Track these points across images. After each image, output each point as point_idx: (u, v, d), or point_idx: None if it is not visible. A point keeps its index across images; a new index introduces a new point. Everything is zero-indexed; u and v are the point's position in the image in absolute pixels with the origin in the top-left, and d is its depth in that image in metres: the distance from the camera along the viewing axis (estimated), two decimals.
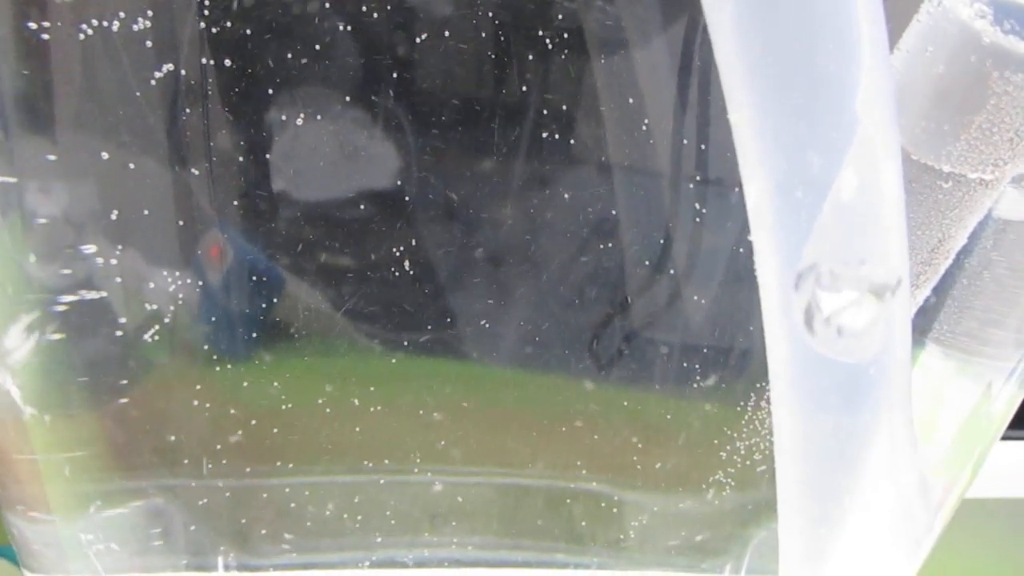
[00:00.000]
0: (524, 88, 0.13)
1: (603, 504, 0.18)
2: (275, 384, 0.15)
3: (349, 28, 0.12)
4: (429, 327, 0.15)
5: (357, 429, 0.15)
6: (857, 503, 0.14)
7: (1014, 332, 0.13)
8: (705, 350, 0.16)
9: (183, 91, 0.12)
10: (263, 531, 0.16)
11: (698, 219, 0.15)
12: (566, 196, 0.14)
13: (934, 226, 0.14)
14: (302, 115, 0.12)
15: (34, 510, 0.14)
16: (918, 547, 0.16)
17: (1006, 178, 0.14)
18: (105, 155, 0.12)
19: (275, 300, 0.14)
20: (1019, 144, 0.13)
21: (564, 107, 0.13)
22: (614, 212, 0.14)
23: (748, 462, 0.17)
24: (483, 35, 0.12)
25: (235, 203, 0.13)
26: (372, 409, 0.15)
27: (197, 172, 0.13)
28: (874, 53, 0.11)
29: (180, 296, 0.13)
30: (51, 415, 0.13)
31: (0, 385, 0.12)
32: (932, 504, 0.15)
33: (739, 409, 0.16)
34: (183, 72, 0.12)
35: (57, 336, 0.12)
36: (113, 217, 0.13)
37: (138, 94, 0.12)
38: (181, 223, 0.13)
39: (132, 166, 0.12)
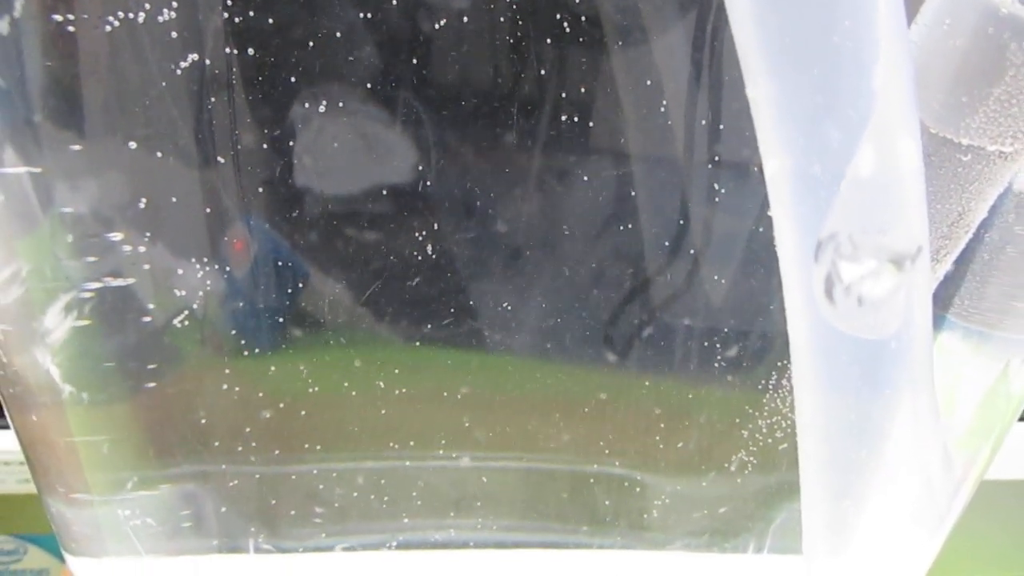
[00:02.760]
0: (541, 74, 0.13)
1: (626, 485, 0.18)
2: (302, 368, 0.15)
3: (371, 16, 0.12)
4: (450, 315, 0.15)
5: (383, 412, 0.16)
6: (879, 478, 0.14)
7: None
8: (726, 330, 0.16)
9: (208, 81, 0.12)
10: (292, 512, 0.16)
11: (717, 199, 0.15)
12: (585, 181, 0.14)
13: (954, 199, 0.14)
14: (324, 104, 0.13)
15: (74, 491, 0.15)
16: (941, 523, 0.17)
17: None
18: (133, 144, 0.12)
19: (300, 287, 0.14)
20: None
21: (582, 92, 0.13)
22: (632, 195, 0.14)
23: (770, 440, 0.17)
24: (502, 20, 0.13)
25: (259, 191, 0.13)
26: (397, 392, 0.16)
27: (223, 161, 0.13)
28: (891, 27, 0.11)
29: (208, 283, 0.14)
30: (89, 394, 0.13)
31: (40, 365, 0.12)
32: (955, 480, 0.15)
33: (760, 388, 0.16)
34: (207, 62, 0.12)
35: (90, 320, 0.13)
36: (141, 206, 0.13)
37: (164, 84, 0.12)
38: (208, 211, 0.13)
39: (159, 155, 0.13)
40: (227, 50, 0.12)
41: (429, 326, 0.15)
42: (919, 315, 0.13)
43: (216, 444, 0.15)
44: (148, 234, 0.13)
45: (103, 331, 0.13)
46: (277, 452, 0.16)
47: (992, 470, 0.17)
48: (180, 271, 0.14)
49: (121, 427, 0.14)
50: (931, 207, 0.14)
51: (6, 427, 0.26)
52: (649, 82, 0.14)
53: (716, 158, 0.14)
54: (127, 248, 0.13)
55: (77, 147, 0.13)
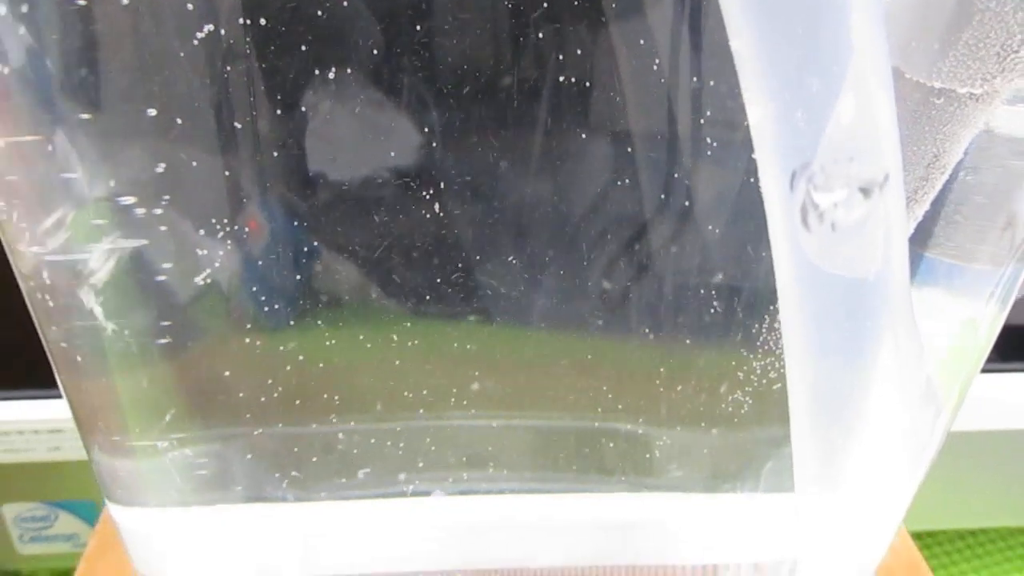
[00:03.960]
0: (536, 47, 0.14)
1: (627, 431, 0.19)
2: (319, 322, 0.16)
3: None
4: (457, 283, 0.16)
5: (396, 362, 0.17)
6: (865, 410, 0.15)
7: (994, 246, 0.14)
8: (720, 281, 0.17)
9: (223, 51, 0.13)
10: (314, 461, 0.18)
11: (707, 157, 0.16)
12: (579, 152, 0.15)
13: (929, 142, 0.15)
14: (333, 75, 0.14)
15: (115, 435, 0.16)
16: (924, 452, 0.18)
17: (999, 93, 0.15)
18: (152, 111, 0.13)
19: (315, 254, 0.15)
20: (1006, 59, 0.14)
21: (578, 61, 0.14)
22: (624, 159, 0.15)
23: (764, 381, 0.18)
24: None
25: (273, 159, 0.14)
26: (410, 353, 0.17)
27: (239, 128, 0.14)
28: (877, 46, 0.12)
29: (228, 245, 0.15)
30: (130, 332, 0.14)
31: (84, 305, 0.13)
32: (937, 410, 0.16)
33: (754, 332, 0.17)
34: (222, 32, 0.13)
35: (125, 268, 0.14)
36: (159, 171, 0.14)
37: (181, 54, 0.13)
38: (226, 175, 0.14)
39: (178, 120, 0.13)
40: (240, 20, 0.13)
41: (437, 294, 0.16)
42: (896, 251, 0.14)
43: (241, 396, 0.16)
44: (167, 197, 0.14)
45: (137, 279, 0.14)
46: (299, 406, 0.17)
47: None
48: (201, 232, 0.14)
49: (158, 373, 0.15)
50: (908, 150, 0.15)
51: (35, 397, 0.27)
52: (644, 49, 0.15)
53: (704, 117, 0.15)
54: (140, 211, 0.14)
55: (102, 111, 0.14)
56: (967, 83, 0.14)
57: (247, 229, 0.15)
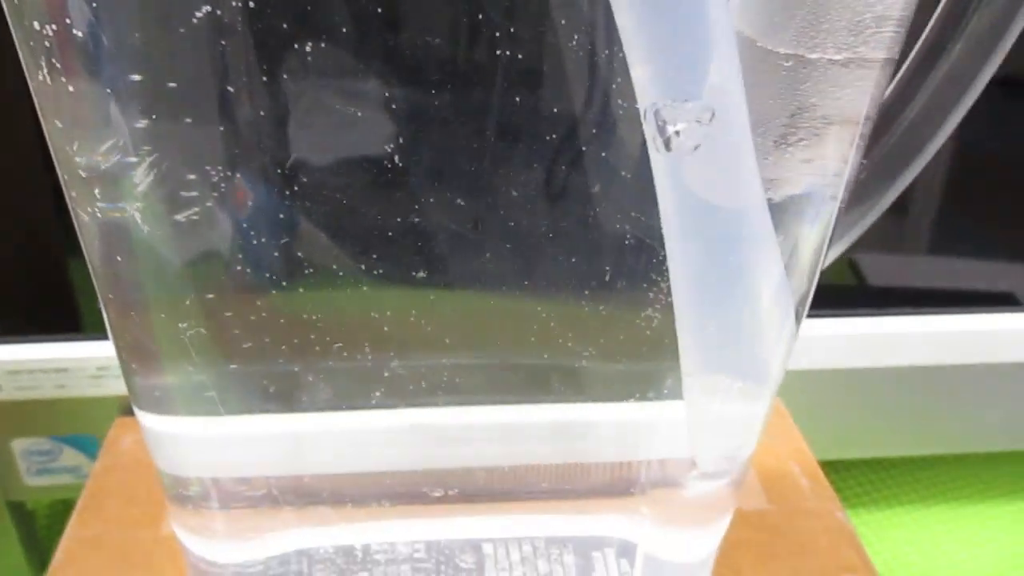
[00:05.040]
0: (497, 47, 0.17)
1: (557, 351, 0.22)
2: (305, 271, 0.19)
3: None
4: (416, 254, 0.19)
5: (371, 312, 0.20)
6: (736, 305, 0.19)
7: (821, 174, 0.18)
8: (632, 217, 0.20)
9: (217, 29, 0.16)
10: (303, 380, 0.21)
11: (621, 112, 0.19)
12: (523, 145, 0.18)
13: (787, 96, 0.18)
14: (311, 56, 0.17)
15: (146, 356, 0.19)
16: (785, 337, 0.21)
17: (873, 60, 0.18)
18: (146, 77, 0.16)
19: (294, 218, 0.18)
20: (860, 33, 0.17)
21: (532, 56, 0.17)
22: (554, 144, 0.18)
23: (670, 299, 0.22)
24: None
25: (255, 136, 0.17)
26: (378, 294, 0.20)
27: (232, 101, 0.17)
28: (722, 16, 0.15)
29: (220, 205, 0.18)
30: (158, 270, 0.17)
31: (128, 211, 0.16)
32: (791, 300, 0.20)
33: (655, 262, 0.21)
34: (219, 12, 0.16)
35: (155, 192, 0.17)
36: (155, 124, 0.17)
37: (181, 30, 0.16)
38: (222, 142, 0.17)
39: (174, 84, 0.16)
40: (234, 3, 0.16)
41: (398, 253, 0.19)
42: (753, 184, 0.17)
43: (240, 331, 0.19)
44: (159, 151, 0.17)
45: (163, 222, 0.17)
46: (289, 337, 0.20)
47: None
48: (193, 191, 0.17)
49: (179, 308, 0.18)
50: (766, 103, 0.18)
51: (43, 340, 0.30)
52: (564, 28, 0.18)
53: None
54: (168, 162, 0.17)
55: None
56: (815, 50, 0.18)
57: (237, 194, 0.18)
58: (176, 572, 0.25)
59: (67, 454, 0.32)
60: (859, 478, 0.43)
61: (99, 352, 0.30)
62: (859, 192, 0.21)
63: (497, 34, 0.16)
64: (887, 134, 0.21)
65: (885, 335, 0.38)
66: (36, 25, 0.13)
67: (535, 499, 0.25)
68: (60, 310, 0.31)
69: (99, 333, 0.30)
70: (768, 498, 0.29)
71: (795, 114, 0.19)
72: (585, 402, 0.23)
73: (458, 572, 0.24)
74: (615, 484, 0.24)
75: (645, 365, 0.22)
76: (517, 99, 0.18)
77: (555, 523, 0.25)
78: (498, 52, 0.17)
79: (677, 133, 0.14)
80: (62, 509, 0.37)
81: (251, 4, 0.15)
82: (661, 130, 0.14)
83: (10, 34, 0.15)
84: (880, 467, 0.43)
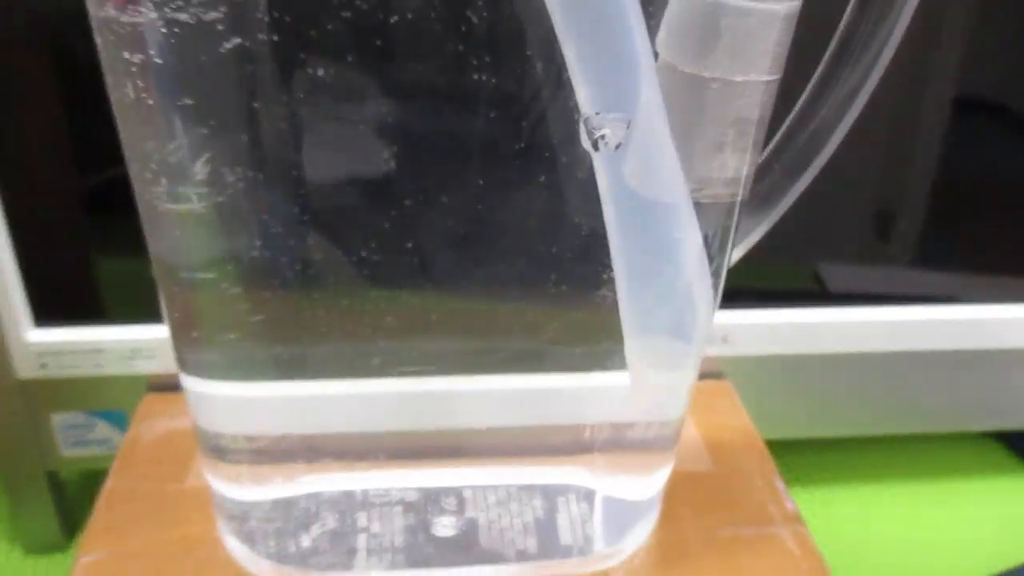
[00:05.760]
0: (477, 77, 0.20)
1: (525, 328, 0.26)
2: (314, 269, 0.23)
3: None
4: (399, 246, 0.23)
5: (368, 296, 0.24)
6: (667, 279, 0.23)
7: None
8: (586, 213, 0.25)
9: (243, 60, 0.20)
10: (313, 353, 0.25)
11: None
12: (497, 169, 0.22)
13: (730, 110, 0.22)
14: (319, 86, 0.21)
15: (192, 329, 0.23)
16: (707, 305, 0.25)
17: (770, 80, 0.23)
18: (190, 101, 0.20)
19: (307, 227, 0.22)
20: (755, 60, 0.22)
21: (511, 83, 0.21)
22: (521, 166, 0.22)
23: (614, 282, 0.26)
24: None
25: (278, 152, 0.21)
26: (372, 284, 0.24)
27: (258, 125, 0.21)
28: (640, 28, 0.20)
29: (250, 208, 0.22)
30: (203, 259, 0.21)
31: (191, 199, 0.20)
32: (708, 274, 0.24)
33: (603, 247, 0.25)
34: (247, 45, 0.20)
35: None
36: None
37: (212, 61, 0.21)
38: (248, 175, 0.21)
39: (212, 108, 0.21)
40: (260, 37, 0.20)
41: (389, 253, 0.23)
42: (669, 170, 0.22)
43: (263, 316, 0.23)
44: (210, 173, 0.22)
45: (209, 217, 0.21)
46: (303, 318, 0.24)
47: None
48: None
49: (211, 295, 0.22)
50: (701, 116, 0.23)
51: (83, 324, 0.34)
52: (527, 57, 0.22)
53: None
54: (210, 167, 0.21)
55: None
56: (730, 73, 0.23)
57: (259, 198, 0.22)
58: (200, 518, 0.29)
59: (100, 428, 0.35)
60: (805, 457, 0.46)
61: (132, 335, 0.34)
62: (767, 191, 0.26)
63: (477, 67, 0.21)
64: (791, 143, 0.26)
65: (829, 324, 0.41)
66: (126, 54, 0.18)
67: (508, 455, 0.29)
68: (91, 300, 0.35)
69: (132, 320, 0.34)
70: (712, 462, 0.34)
71: (735, 124, 0.24)
72: (547, 373, 0.26)
73: (442, 512, 0.28)
74: (574, 442, 0.28)
75: (595, 343, 0.26)
76: (492, 116, 0.22)
77: (525, 474, 0.29)
78: (477, 79, 0.21)
79: (602, 137, 0.19)
80: (90, 479, 0.41)
81: (275, 39, 0.20)
82: (590, 134, 0.19)
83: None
84: (823, 447, 0.46)
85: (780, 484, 0.32)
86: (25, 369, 0.34)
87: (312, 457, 0.27)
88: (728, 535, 0.30)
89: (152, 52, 0.18)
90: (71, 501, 0.39)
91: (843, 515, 0.43)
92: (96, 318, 0.34)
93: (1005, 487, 0.45)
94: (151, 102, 0.19)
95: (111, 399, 0.35)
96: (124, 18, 0.17)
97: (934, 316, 0.42)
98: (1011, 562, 0.39)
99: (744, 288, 0.41)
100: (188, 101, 0.19)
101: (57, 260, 0.33)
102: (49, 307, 0.34)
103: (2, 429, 0.35)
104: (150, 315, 0.34)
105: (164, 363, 0.34)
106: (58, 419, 0.35)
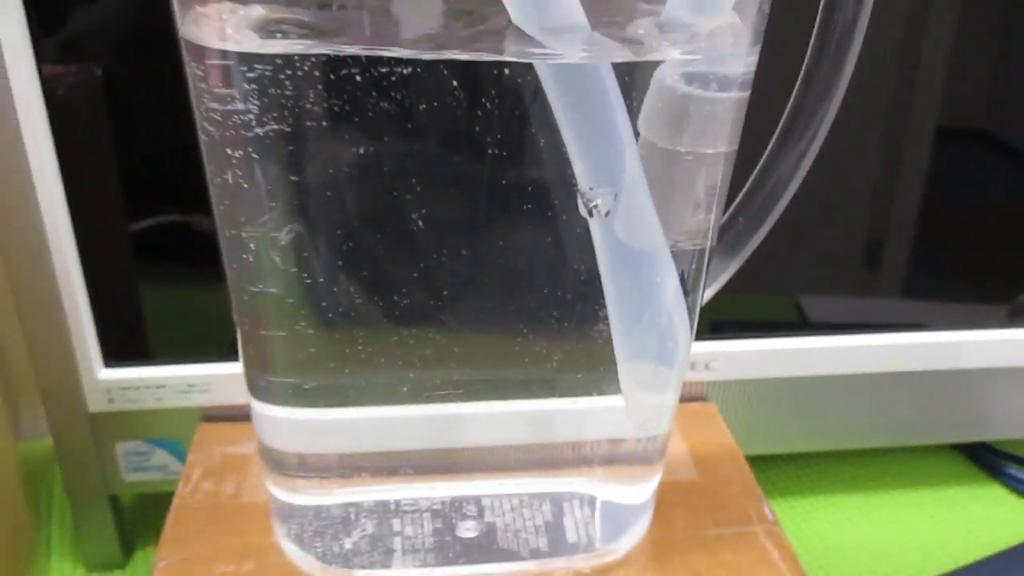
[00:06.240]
0: (494, 152, 0.24)
1: (535, 360, 0.31)
2: (367, 310, 0.28)
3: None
4: (433, 303, 0.27)
5: (410, 340, 0.28)
6: (650, 313, 0.28)
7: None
8: (590, 266, 0.29)
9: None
10: (361, 384, 0.29)
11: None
12: (520, 222, 0.27)
13: (706, 175, 0.27)
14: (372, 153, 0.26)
15: (262, 356, 0.28)
16: (684, 332, 0.30)
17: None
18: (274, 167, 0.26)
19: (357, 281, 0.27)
20: (718, 136, 0.27)
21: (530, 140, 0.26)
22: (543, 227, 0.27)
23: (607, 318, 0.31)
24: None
25: (327, 217, 0.26)
26: (410, 323, 0.28)
27: (319, 184, 0.26)
28: (624, 119, 0.25)
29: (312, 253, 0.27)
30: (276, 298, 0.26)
31: (277, 268, 0.25)
32: (686, 308, 0.29)
33: (598, 290, 0.30)
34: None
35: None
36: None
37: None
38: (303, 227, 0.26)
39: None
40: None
41: (426, 297, 0.26)
42: (651, 229, 0.27)
43: (317, 350, 0.28)
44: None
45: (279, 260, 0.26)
46: (354, 355, 0.28)
47: None
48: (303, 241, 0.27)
49: (278, 332, 0.27)
50: (676, 182, 0.27)
51: (146, 363, 0.39)
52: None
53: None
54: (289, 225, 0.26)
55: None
56: (699, 147, 0.28)
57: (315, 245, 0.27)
58: (256, 528, 0.34)
59: (157, 454, 0.39)
60: (782, 470, 0.49)
61: (187, 372, 0.38)
62: (733, 239, 0.30)
63: (494, 146, 0.25)
64: (752, 200, 0.31)
65: (804, 350, 0.44)
66: (228, 151, 0.23)
67: (520, 468, 0.33)
68: (152, 341, 0.39)
69: (188, 358, 0.39)
70: (697, 472, 0.38)
71: (712, 186, 0.29)
72: (552, 397, 0.30)
73: (465, 517, 0.32)
74: (576, 456, 0.32)
75: (592, 370, 0.29)
76: (508, 187, 0.26)
77: (535, 483, 0.33)
78: (495, 156, 0.25)
79: (593, 207, 0.24)
80: (145, 503, 0.45)
81: (323, 124, 0.24)
82: (586, 205, 0.24)
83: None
84: (802, 461, 0.50)
85: (758, 490, 0.37)
86: (95, 403, 0.38)
87: (353, 471, 0.32)
88: (713, 534, 0.34)
89: (250, 150, 0.23)
90: (128, 523, 0.43)
91: (818, 521, 0.47)
92: (156, 357, 0.39)
93: (966, 494, 0.49)
94: (246, 186, 0.24)
95: (168, 429, 0.39)
96: (228, 133, 0.22)
97: (903, 341, 0.46)
98: (970, 561, 0.44)
99: (730, 320, 0.46)
100: (277, 187, 0.24)
101: (123, 307, 0.38)
102: (116, 348, 0.38)
103: (73, 456, 0.39)
104: (203, 354, 0.39)
105: (215, 396, 0.39)
106: (121, 447, 0.39)
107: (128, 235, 0.37)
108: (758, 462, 0.39)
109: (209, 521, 0.34)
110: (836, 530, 0.46)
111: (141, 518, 0.44)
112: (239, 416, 0.38)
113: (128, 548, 0.43)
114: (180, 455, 0.40)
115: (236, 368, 0.35)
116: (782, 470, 0.50)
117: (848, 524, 0.47)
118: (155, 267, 0.38)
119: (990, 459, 0.51)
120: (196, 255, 0.35)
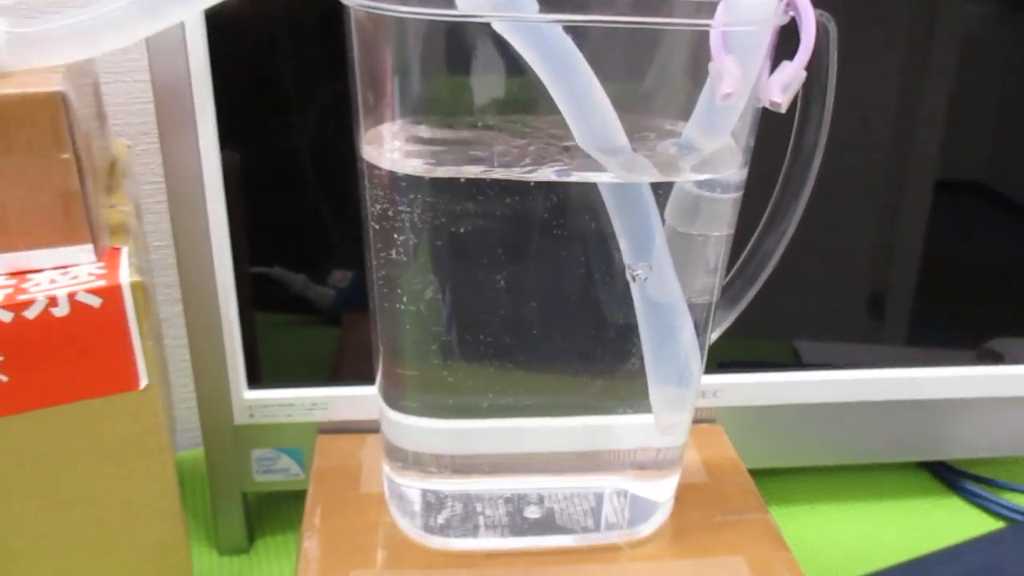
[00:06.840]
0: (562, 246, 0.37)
1: (591, 388, 0.41)
2: (485, 348, 0.39)
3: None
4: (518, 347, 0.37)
5: (509, 372, 0.39)
6: (673, 358, 0.38)
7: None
8: (627, 315, 0.40)
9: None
10: (469, 406, 0.40)
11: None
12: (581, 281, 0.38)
13: (706, 252, 0.38)
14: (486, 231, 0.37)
15: (398, 375, 0.39)
16: (698, 365, 0.41)
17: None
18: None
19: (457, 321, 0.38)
20: (721, 223, 0.38)
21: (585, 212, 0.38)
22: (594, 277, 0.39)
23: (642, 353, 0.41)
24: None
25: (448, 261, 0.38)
26: (507, 372, 0.39)
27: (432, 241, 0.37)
28: (655, 212, 0.36)
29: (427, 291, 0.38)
30: (418, 325, 0.38)
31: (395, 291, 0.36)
32: (700, 348, 0.40)
33: (635, 333, 0.40)
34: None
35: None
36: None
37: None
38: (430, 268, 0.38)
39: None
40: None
41: (518, 343, 0.36)
42: (677, 291, 0.38)
43: (438, 384, 0.39)
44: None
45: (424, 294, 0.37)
46: (471, 380, 0.39)
47: None
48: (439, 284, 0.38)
49: (418, 356, 0.38)
50: (691, 256, 0.38)
51: (281, 386, 0.49)
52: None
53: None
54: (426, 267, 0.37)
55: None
56: (706, 231, 0.39)
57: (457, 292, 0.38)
58: (374, 510, 0.44)
59: (282, 460, 0.48)
60: (776, 483, 0.55)
61: (311, 394, 0.47)
62: (732, 295, 0.41)
63: (563, 241, 0.36)
64: (747, 266, 0.41)
65: (796, 383, 0.51)
66: (396, 236, 0.34)
67: (571, 469, 0.42)
68: (286, 368, 0.50)
69: (312, 383, 0.49)
70: (708, 477, 0.48)
71: (719, 260, 0.40)
72: (597, 415, 0.39)
73: (528, 505, 0.42)
74: (614, 460, 0.40)
75: (628, 395, 0.38)
76: (572, 259, 0.36)
77: (582, 480, 0.43)
78: (565, 239, 0.36)
79: (635, 275, 0.35)
80: (266, 499, 0.55)
81: (460, 218, 0.36)
82: (630, 274, 0.35)
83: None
84: (790, 473, 0.56)
85: (755, 490, 0.47)
86: (239, 418, 0.46)
87: (452, 467, 0.42)
88: (719, 520, 0.45)
89: (410, 236, 0.34)
90: (253, 516, 0.54)
91: (802, 524, 0.53)
92: (288, 381, 0.49)
93: (929, 504, 0.55)
94: (405, 259, 0.35)
95: (292, 439, 0.49)
96: (396, 224, 0.34)
97: (880, 376, 0.51)
98: None
99: (735, 360, 0.54)
100: (424, 260, 0.35)
101: (263, 342, 0.49)
102: (257, 374, 0.46)
103: (219, 461, 0.48)
104: (323, 380, 0.49)
105: (331, 413, 0.49)
106: (255, 453, 0.49)
107: (272, 289, 0.48)
108: (753, 474, 0.46)
109: (339, 505, 0.44)
110: (816, 532, 0.53)
111: (264, 512, 0.55)
112: (350, 429, 0.47)
113: (252, 536, 0.53)
114: (300, 460, 0.50)
115: (349, 391, 0.47)
116: (773, 481, 0.56)
117: (827, 527, 0.53)
118: (288, 313, 0.49)
119: (950, 476, 0.57)
120: (316, 307, 0.47)
